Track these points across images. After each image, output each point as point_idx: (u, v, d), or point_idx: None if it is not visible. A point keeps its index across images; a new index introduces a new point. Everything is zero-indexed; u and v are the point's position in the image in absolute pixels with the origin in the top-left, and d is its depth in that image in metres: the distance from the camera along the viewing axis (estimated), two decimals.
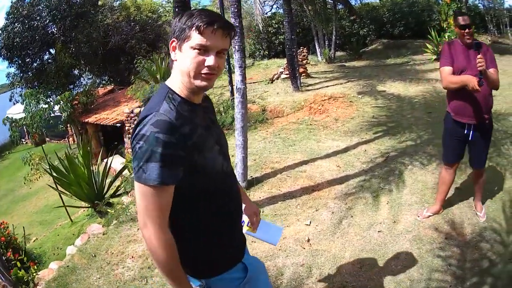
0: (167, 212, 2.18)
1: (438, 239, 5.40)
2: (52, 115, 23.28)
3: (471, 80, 4.63)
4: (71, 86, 26.46)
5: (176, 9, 7.12)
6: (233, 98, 9.95)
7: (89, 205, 10.59)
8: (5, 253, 8.70)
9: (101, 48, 28.36)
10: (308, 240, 5.77)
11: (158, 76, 18.90)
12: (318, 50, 26.54)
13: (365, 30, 30.56)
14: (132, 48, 30.08)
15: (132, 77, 23.26)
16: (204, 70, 2.21)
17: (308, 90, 15.90)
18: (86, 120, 22.26)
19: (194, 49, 2.18)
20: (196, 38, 2.16)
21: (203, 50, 2.18)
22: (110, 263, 6.09)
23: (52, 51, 25.93)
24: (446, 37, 19.44)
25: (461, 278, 4.61)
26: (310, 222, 6.26)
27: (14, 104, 27.03)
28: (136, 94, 20.57)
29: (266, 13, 31.09)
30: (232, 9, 7.48)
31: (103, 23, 28.55)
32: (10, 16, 24.35)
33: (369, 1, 34.98)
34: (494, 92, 5.14)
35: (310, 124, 11.57)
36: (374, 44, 30.97)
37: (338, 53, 27.97)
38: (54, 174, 10.31)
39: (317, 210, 6.61)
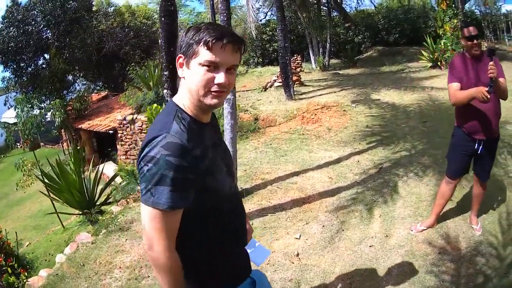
0: (175, 234, 2.14)
1: (431, 254, 5.29)
2: (46, 120, 23.57)
3: (479, 91, 4.49)
4: (65, 92, 26.46)
5: (163, 19, 6.96)
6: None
7: (80, 212, 10.47)
8: None
9: (95, 54, 28.31)
10: (297, 255, 5.65)
11: (151, 84, 18.86)
12: (312, 58, 26.49)
13: (360, 37, 30.53)
14: (126, 54, 30.16)
15: (125, 84, 23.20)
16: (214, 88, 2.14)
17: (302, 98, 15.83)
18: (80, 126, 22.44)
19: (203, 65, 2.10)
20: (204, 54, 2.09)
21: (212, 66, 2.11)
22: (98, 273, 6.02)
23: (47, 56, 25.87)
24: (442, 44, 19.52)
25: None
26: (300, 236, 6.12)
27: (9, 108, 27.20)
28: (129, 101, 20.71)
29: (261, 20, 31.11)
30: (222, 17, 7.38)
31: (97, 29, 28.60)
32: (5, 21, 24.37)
33: (364, 8, 35.06)
34: None
35: (303, 134, 11.47)
36: (369, 51, 30.95)
37: (333, 61, 27.95)
38: (46, 181, 10.19)
39: (307, 223, 6.48)
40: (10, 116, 27.16)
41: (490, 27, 32.14)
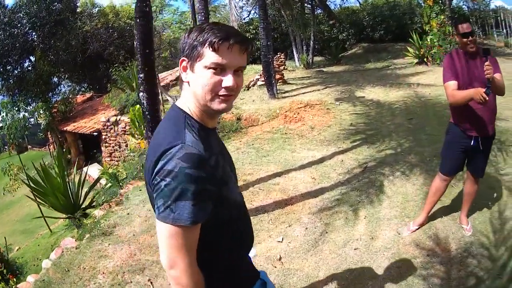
0: (195, 248, 2.03)
1: (419, 256, 5.17)
2: (33, 123, 24.04)
3: (477, 93, 4.35)
4: (50, 94, 26.47)
5: (138, 20, 6.75)
6: None
7: (66, 216, 10.44)
8: None
9: (80, 55, 28.41)
10: (280, 258, 5.51)
11: (134, 85, 18.73)
12: (296, 56, 26.54)
13: (344, 35, 30.64)
14: (111, 55, 30.10)
15: (109, 85, 23.17)
16: (222, 92, 2.02)
17: (285, 97, 15.73)
18: (65, 128, 22.58)
19: (209, 68, 1.97)
20: (210, 56, 1.96)
21: (219, 69, 1.98)
22: (82, 278, 5.91)
23: (32, 58, 25.92)
24: (429, 40, 19.58)
25: None
26: (283, 239, 5.98)
27: None
28: (113, 103, 20.61)
29: (244, 19, 31.15)
30: (200, 17, 7.25)
31: (82, 30, 28.62)
32: None
33: (349, 5, 35.15)
34: None
35: (285, 133, 11.34)
36: (354, 48, 31.13)
37: (317, 58, 28.04)
38: (32, 185, 10.16)
39: (290, 226, 6.33)
40: None
41: (478, 23, 32.28)
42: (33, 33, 25.32)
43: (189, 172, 1.84)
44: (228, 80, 1.98)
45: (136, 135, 13.52)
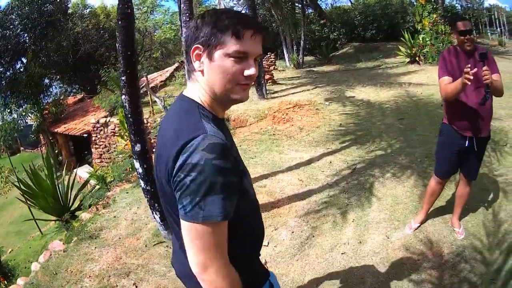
0: (226, 247, 1.92)
1: (409, 261, 5.07)
2: (25, 124, 24.30)
3: (462, 79, 4.26)
4: (42, 96, 26.52)
5: (119, 22, 6.59)
6: None
7: (55, 219, 10.45)
8: None
9: (71, 56, 28.42)
10: (265, 263, 5.44)
11: None
12: (286, 56, 26.46)
13: (335, 34, 30.54)
14: (102, 56, 30.16)
15: (99, 86, 23.14)
16: (243, 81, 1.95)
17: (274, 97, 15.71)
18: (56, 130, 22.61)
19: (231, 57, 1.88)
20: (233, 45, 1.87)
21: (240, 58, 1.90)
22: (70, 281, 5.90)
23: (24, 60, 26.04)
24: (421, 39, 19.61)
25: None
26: (268, 243, 5.90)
27: None
28: (102, 104, 20.65)
29: None
30: (184, 17, 7.06)
31: (73, 31, 28.63)
32: None
33: (340, 4, 35.17)
34: None
35: (273, 134, 11.23)
36: (345, 48, 31.13)
37: (307, 58, 28.03)
38: (22, 187, 10.09)
39: (276, 229, 6.23)
40: None
41: (471, 22, 32.30)
42: (25, 35, 25.40)
43: (216, 163, 1.74)
44: (251, 69, 1.92)
45: (125, 137, 13.48)
